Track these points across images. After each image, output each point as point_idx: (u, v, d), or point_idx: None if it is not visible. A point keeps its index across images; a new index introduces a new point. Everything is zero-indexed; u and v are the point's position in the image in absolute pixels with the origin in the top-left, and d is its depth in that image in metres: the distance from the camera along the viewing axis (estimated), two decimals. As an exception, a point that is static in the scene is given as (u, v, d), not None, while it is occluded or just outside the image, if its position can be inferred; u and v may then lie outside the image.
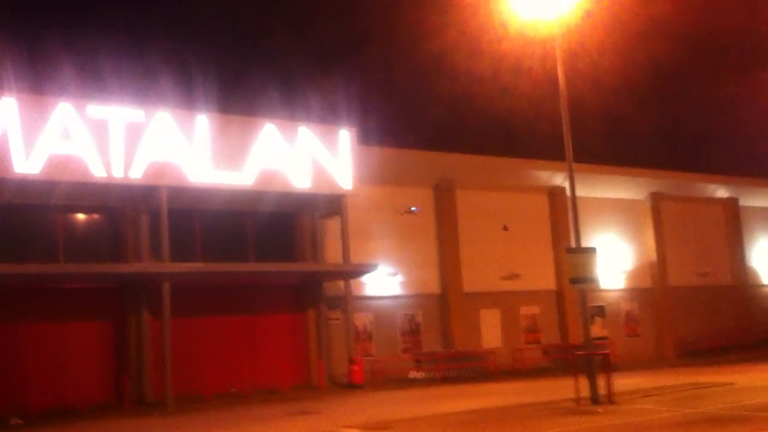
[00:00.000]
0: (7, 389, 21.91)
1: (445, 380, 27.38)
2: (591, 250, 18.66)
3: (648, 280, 36.91)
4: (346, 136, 26.38)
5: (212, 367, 24.50)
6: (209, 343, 25.18)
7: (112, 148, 22.32)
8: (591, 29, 21.78)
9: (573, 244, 19.32)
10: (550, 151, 28.95)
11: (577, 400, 16.74)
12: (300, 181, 25.34)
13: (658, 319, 36.54)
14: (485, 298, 31.50)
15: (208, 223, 25.86)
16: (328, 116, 27.25)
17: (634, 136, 43.23)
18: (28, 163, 21.23)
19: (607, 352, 19.26)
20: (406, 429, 14.97)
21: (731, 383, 20.14)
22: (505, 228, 32.70)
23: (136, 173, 22.64)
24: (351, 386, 25.39)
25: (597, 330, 33.47)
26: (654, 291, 36.82)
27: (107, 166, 22.19)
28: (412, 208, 30.12)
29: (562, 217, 33.43)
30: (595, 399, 16.86)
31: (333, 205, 26.85)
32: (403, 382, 27.05)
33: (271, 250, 26.75)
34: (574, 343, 30.13)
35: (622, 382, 19.05)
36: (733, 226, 40.73)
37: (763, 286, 41.92)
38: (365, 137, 28.00)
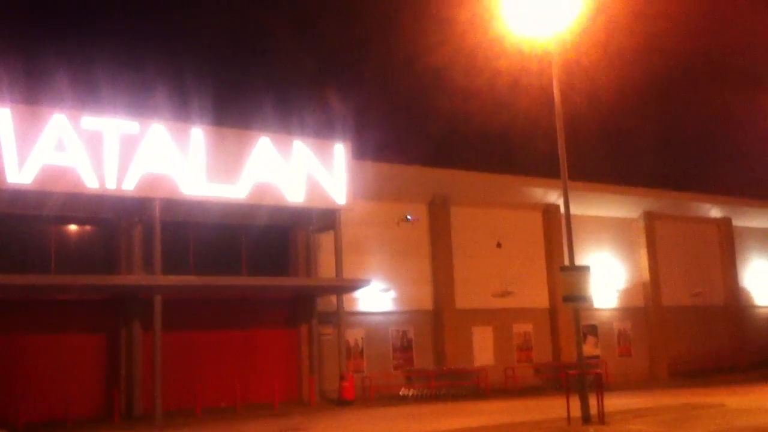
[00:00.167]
0: (-5, 400, 21.77)
1: (437, 398, 27.27)
2: (585, 269, 18.59)
3: (641, 299, 36.89)
4: (341, 151, 26.37)
5: (203, 382, 24.36)
6: (200, 357, 25.06)
7: (106, 160, 22.24)
8: (587, 46, 21.85)
9: (567, 262, 19.28)
10: (545, 168, 28.97)
11: (569, 419, 16.64)
12: (294, 195, 25.30)
13: (651, 339, 36.48)
14: (478, 315, 31.43)
15: (202, 236, 25.78)
16: (324, 130, 27.29)
17: (629, 153, 43.31)
18: (21, 174, 21.15)
19: (600, 371, 19.20)
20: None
21: (723, 404, 20.08)
22: (499, 245, 32.67)
23: (130, 185, 22.57)
24: (342, 402, 25.26)
25: (589, 349, 33.44)
26: (647, 310, 36.78)
27: (101, 178, 22.12)
28: (408, 216, 30.07)
29: (556, 235, 33.43)
30: (586, 419, 16.75)
31: (327, 219, 26.81)
32: (394, 399, 26.93)
33: (264, 264, 26.68)
34: (566, 362, 30.06)
35: (614, 402, 18.98)
36: (726, 247, 40.77)
37: (756, 307, 41.92)
38: (360, 152, 28.00)
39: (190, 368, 24.65)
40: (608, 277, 35.26)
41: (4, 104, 21.32)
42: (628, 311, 36.28)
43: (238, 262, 26.44)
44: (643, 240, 37.31)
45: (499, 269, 32.37)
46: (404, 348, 29.84)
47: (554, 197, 33.47)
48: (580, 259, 22.33)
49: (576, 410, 16.75)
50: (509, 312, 32.29)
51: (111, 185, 22.29)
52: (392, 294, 29.48)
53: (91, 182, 22.00)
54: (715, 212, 40.43)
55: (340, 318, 26.25)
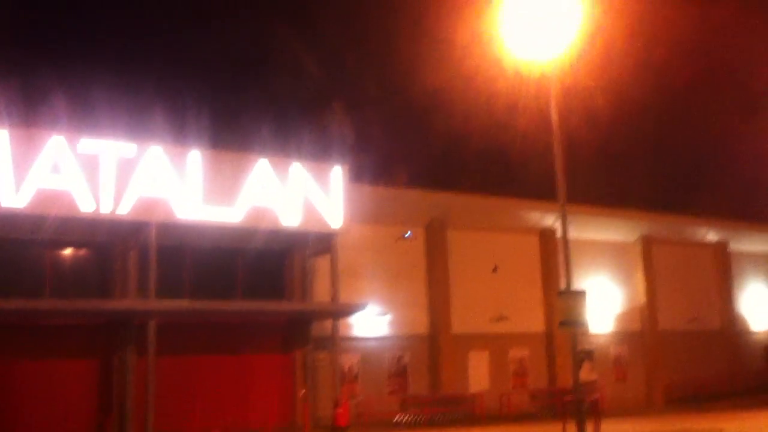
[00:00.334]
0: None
1: (431, 424, 27.08)
2: (581, 293, 18.52)
3: (637, 323, 36.77)
4: (338, 174, 26.29)
5: (196, 407, 24.15)
6: (194, 383, 24.83)
7: (101, 183, 22.17)
8: (585, 68, 21.93)
9: (563, 287, 19.20)
10: (542, 190, 28.96)
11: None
12: (290, 218, 25.22)
13: (647, 364, 36.34)
14: (474, 339, 31.27)
15: (197, 260, 25.65)
16: (321, 153, 27.20)
17: (626, 175, 43.38)
18: (16, 197, 21.07)
19: (597, 396, 19.07)
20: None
21: (723, 430, 19.94)
22: (495, 269, 32.57)
23: (126, 208, 22.48)
24: (336, 429, 24.97)
25: (585, 374, 33.15)
26: (643, 335, 36.66)
27: (96, 201, 22.05)
28: (406, 234, 30.02)
29: (553, 259, 33.38)
30: (583, 447, 16.60)
31: (323, 243, 26.69)
32: (388, 426, 26.74)
33: (259, 289, 26.53)
34: (562, 388, 29.89)
35: (611, 429, 18.84)
36: (722, 271, 40.74)
37: (752, 332, 41.83)
38: (357, 175, 27.93)
39: (184, 393, 24.43)
40: (604, 302, 35.17)
41: (2, 126, 21.27)
42: (624, 336, 36.15)
43: (234, 286, 26.29)
44: (639, 264, 37.26)
45: (496, 293, 32.26)
46: (399, 373, 29.66)
47: (551, 221, 33.43)
48: (577, 283, 22.21)
49: (573, 438, 16.59)
50: (505, 337, 32.13)
51: (106, 209, 22.19)
52: (388, 318, 29.34)
53: (86, 206, 21.91)
54: (711, 236, 40.43)
55: (335, 343, 26.07)
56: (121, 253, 24.25)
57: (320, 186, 25.88)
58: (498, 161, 38.40)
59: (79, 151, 22.07)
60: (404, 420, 27.46)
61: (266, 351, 26.52)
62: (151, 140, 23.42)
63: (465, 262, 31.71)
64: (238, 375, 25.77)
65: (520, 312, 32.71)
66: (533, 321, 33.23)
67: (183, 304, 23.83)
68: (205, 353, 25.18)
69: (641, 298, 36.98)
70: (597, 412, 17.17)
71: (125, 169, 22.60)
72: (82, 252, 24.59)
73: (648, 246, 37.46)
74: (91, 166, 22.12)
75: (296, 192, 25.37)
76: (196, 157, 23.91)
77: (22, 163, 21.21)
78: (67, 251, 24.43)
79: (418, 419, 27.44)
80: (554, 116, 18.64)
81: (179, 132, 24.69)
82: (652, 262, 37.47)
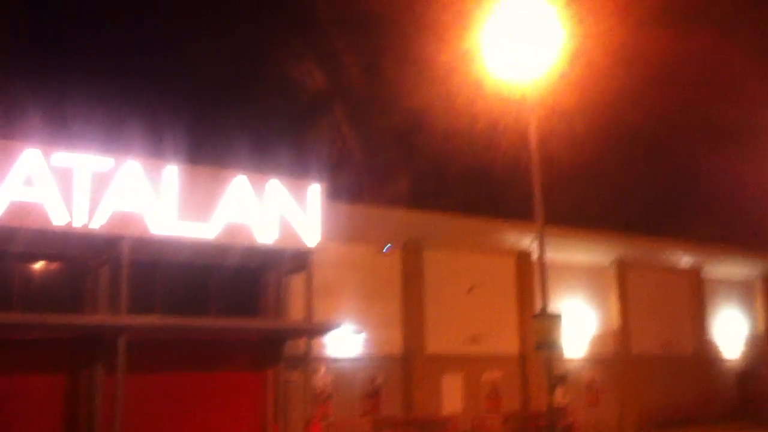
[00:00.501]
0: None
1: (405, 445, 26.86)
2: (557, 316, 18.52)
3: (611, 348, 36.82)
4: (315, 191, 26.12)
5: (165, 425, 23.74)
6: (164, 401, 24.39)
7: (75, 196, 21.86)
8: (565, 91, 22.06)
9: (539, 309, 19.17)
10: (519, 211, 29.04)
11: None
12: (266, 235, 25.00)
13: (620, 389, 36.35)
14: (448, 361, 31.13)
15: (171, 276, 25.30)
16: (299, 171, 27.04)
17: (603, 199, 43.63)
18: (-13, 210, 20.71)
19: (571, 420, 19.00)
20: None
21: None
22: (471, 290, 32.49)
23: (99, 223, 22.16)
24: (308, 449, 24.74)
25: (558, 398, 33.14)
26: (616, 359, 36.70)
27: (70, 215, 21.72)
28: (386, 248, 29.92)
29: (528, 281, 33.38)
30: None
31: (298, 261, 26.45)
32: (361, 446, 26.47)
33: (233, 306, 26.23)
34: (535, 411, 29.79)
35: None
36: (696, 297, 41.01)
37: (725, 359, 42.04)
38: (335, 193, 27.77)
39: (153, 411, 23.98)
40: (579, 325, 35.19)
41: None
42: (597, 360, 36.16)
43: (207, 303, 25.96)
44: (614, 288, 37.39)
45: (471, 315, 32.18)
46: (372, 394, 29.41)
47: (527, 242, 33.46)
48: (551, 306, 22.23)
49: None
50: (479, 358, 32.03)
51: (80, 222, 21.87)
52: (362, 338, 29.14)
53: (59, 219, 21.58)
54: (686, 262, 40.68)
55: (308, 362, 25.79)
56: (93, 267, 23.89)
57: (297, 203, 25.70)
58: (478, 182, 38.49)
59: (53, 163, 21.76)
60: (376, 442, 27.23)
61: (238, 369, 26.18)
62: (126, 154, 23.16)
63: (441, 282, 31.63)
64: (208, 393, 25.39)
65: (495, 334, 32.65)
66: (507, 343, 33.16)
67: (154, 320, 23.50)
68: (176, 370, 24.78)
69: (615, 322, 37.08)
70: (571, 436, 17.11)
71: (100, 182, 22.30)
72: (54, 266, 24.18)
73: (623, 270, 37.62)
74: (65, 179, 21.81)
75: (273, 209, 25.17)
76: (172, 172, 23.67)
77: (-5, 176, 20.87)
78: (38, 264, 24.01)
79: (391, 441, 27.23)
80: (533, 138, 18.70)
81: (156, 146, 24.46)
82: (627, 287, 37.62)
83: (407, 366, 30.11)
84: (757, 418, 38.42)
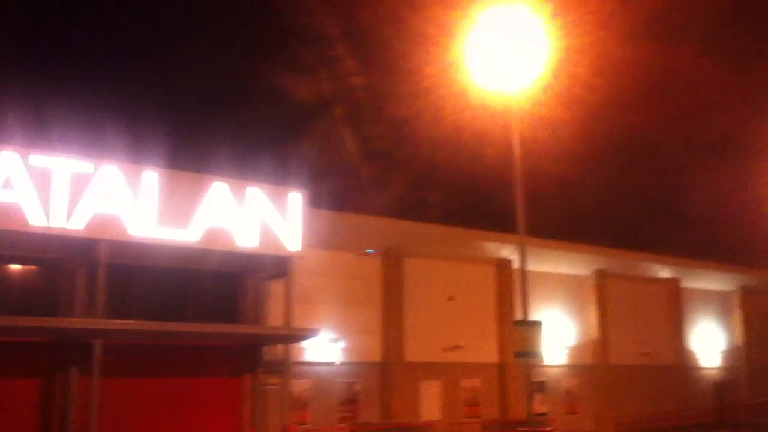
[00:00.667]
0: None
1: (383, 453, 26.77)
2: (537, 324, 18.54)
3: (589, 357, 36.96)
4: (296, 198, 26.02)
5: (141, 430, 23.50)
6: (140, 406, 24.17)
7: (54, 199, 21.62)
8: (549, 103, 22.08)
9: (520, 317, 19.18)
10: (502, 220, 29.08)
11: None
12: (246, 240, 24.85)
13: (599, 398, 36.49)
14: (427, 368, 31.11)
15: (149, 281, 25.06)
16: (281, 177, 26.92)
17: (584, 209, 43.84)
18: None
19: (550, 428, 19.00)
20: None
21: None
22: (451, 298, 32.50)
23: (77, 225, 21.94)
24: (285, 456, 24.61)
25: (536, 406, 33.24)
26: (595, 368, 36.84)
27: (47, 217, 21.48)
28: (369, 250, 29.88)
29: (508, 290, 33.43)
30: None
31: (279, 267, 26.32)
32: (339, 454, 26.36)
33: (212, 311, 26.05)
34: (513, 419, 29.80)
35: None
36: (674, 308, 41.26)
37: (703, 368, 42.29)
38: (317, 200, 27.66)
39: (129, 416, 23.76)
40: (558, 334, 35.28)
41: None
42: (576, 369, 36.29)
43: (185, 307, 25.76)
44: (593, 298, 37.54)
45: (450, 323, 32.18)
46: (351, 401, 29.32)
47: (507, 252, 33.52)
48: (531, 315, 22.28)
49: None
50: (458, 366, 32.04)
51: (57, 224, 21.64)
52: (341, 345, 29.05)
53: (36, 221, 21.34)
54: (664, 273, 40.92)
55: (286, 368, 25.65)
56: (70, 270, 23.63)
57: (278, 210, 25.58)
58: (461, 191, 38.55)
59: (32, 163, 21.52)
60: (354, 449, 27.13)
61: (215, 374, 26.00)
62: (106, 158, 22.95)
63: (421, 290, 31.61)
64: (185, 398, 25.18)
65: (474, 342, 32.66)
66: (487, 351, 33.19)
67: (131, 324, 23.24)
68: (153, 375, 24.56)
69: (594, 331, 37.22)
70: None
71: (79, 184, 22.08)
72: (30, 268, 23.91)
73: (602, 280, 37.78)
74: (43, 180, 21.57)
75: (253, 215, 25.04)
76: (152, 176, 23.47)
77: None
78: (15, 266, 23.73)
79: (369, 448, 27.14)
80: (516, 149, 18.72)
81: (136, 150, 24.25)
82: (606, 297, 37.78)
83: (386, 373, 30.06)
84: (733, 427, 38.71)
